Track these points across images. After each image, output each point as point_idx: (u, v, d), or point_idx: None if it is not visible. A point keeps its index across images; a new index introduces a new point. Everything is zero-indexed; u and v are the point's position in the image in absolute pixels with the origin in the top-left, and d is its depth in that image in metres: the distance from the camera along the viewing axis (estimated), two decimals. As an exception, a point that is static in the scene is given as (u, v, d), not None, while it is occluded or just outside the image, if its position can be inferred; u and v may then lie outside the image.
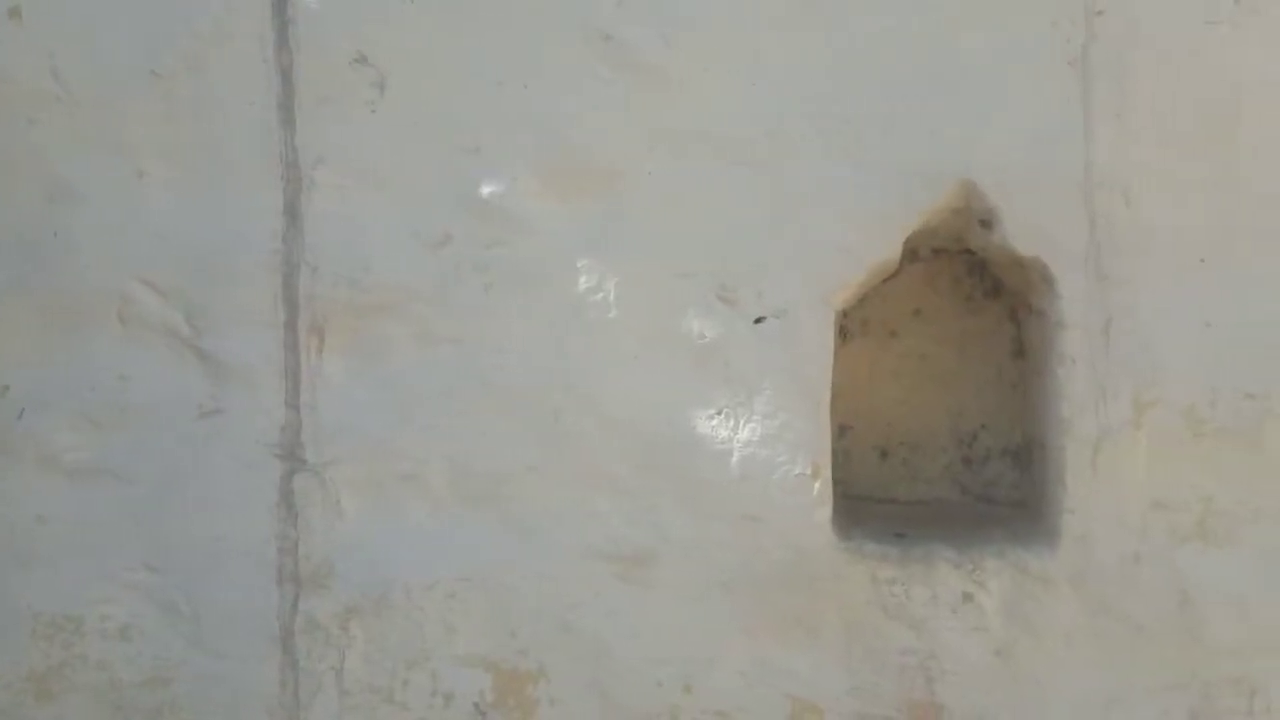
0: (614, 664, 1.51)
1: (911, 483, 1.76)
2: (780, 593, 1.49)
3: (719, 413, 1.49)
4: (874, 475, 1.78)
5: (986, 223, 1.45)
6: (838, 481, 1.77)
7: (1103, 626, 1.41)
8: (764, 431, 1.48)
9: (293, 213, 1.50)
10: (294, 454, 1.52)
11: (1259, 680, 1.36)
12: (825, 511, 1.48)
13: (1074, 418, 1.40)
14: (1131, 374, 1.38)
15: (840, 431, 1.78)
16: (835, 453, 1.77)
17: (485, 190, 1.50)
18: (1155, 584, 1.39)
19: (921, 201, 1.45)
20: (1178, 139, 1.35)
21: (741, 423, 1.49)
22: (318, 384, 1.51)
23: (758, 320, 1.48)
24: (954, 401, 1.74)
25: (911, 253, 1.70)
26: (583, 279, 1.50)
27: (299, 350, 1.51)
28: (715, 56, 1.46)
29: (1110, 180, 1.37)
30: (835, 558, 1.48)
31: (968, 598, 1.45)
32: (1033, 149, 1.39)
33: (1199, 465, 1.37)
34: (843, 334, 1.77)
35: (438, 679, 1.55)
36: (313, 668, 1.53)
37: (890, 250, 1.47)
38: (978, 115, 1.41)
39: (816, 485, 1.48)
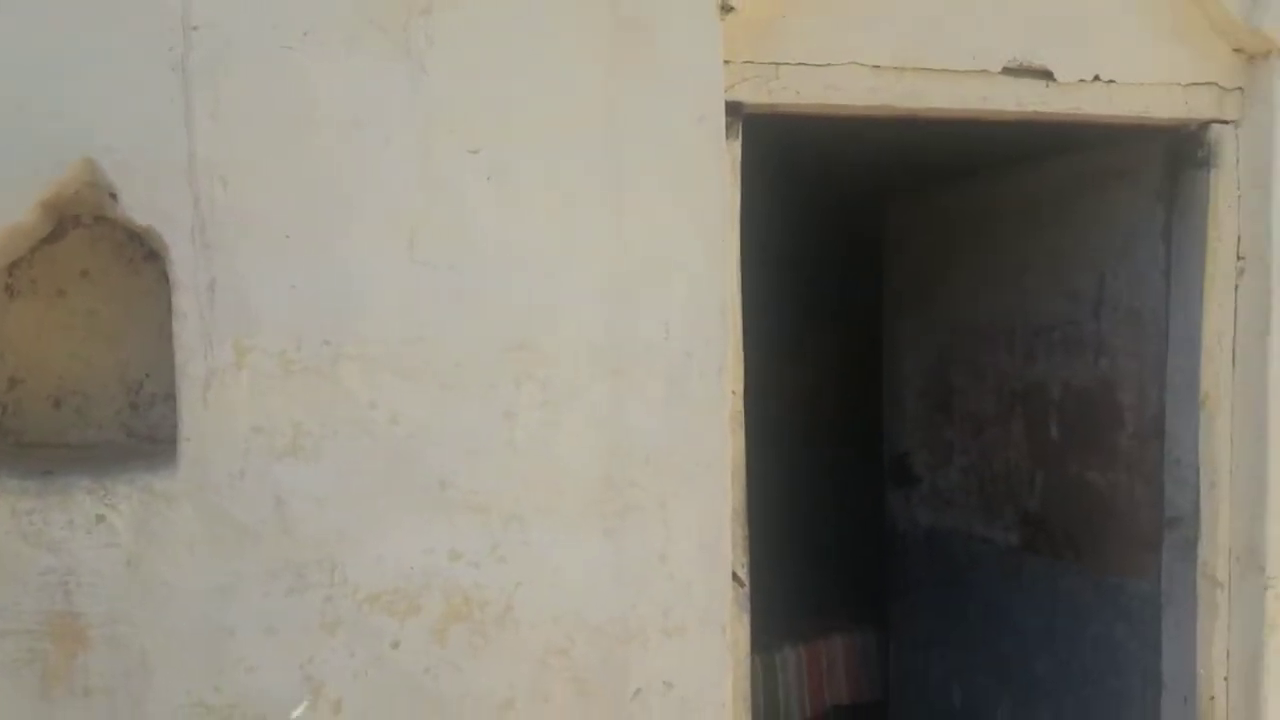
0: None
1: (84, 428, 1.94)
2: (-92, 536, 1.57)
3: None
4: (48, 423, 1.92)
5: (114, 196, 1.68)
6: (10, 431, 1.90)
7: (217, 531, 1.73)
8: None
9: None
10: None
11: (337, 559, 1.80)
12: (-46, 456, 1.59)
13: (187, 362, 1.70)
14: (233, 326, 1.71)
15: (11, 384, 1.89)
16: (6, 404, 1.89)
17: None
18: (257, 493, 1.75)
19: (50, 174, 1.63)
20: (264, 138, 1.71)
21: None
22: None
23: None
24: (122, 354, 1.95)
25: (75, 219, 1.88)
26: None
27: None
28: None
29: (210, 168, 1.68)
30: (-31, 497, 1.60)
31: (100, 519, 1.68)
32: (145, 137, 1.65)
33: (290, 397, 1.75)
34: (10, 292, 1.88)
35: None
36: None
37: (20, 215, 1.62)
38: (99, 104, 1.63)
39: (-57, 431, 1.58)
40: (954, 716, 3.19)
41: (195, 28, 1.65)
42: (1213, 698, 2.42)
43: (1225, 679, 2.42)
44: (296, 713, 1.81)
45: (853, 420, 3.74)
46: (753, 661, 3.66)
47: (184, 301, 1.69)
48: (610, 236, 1.92)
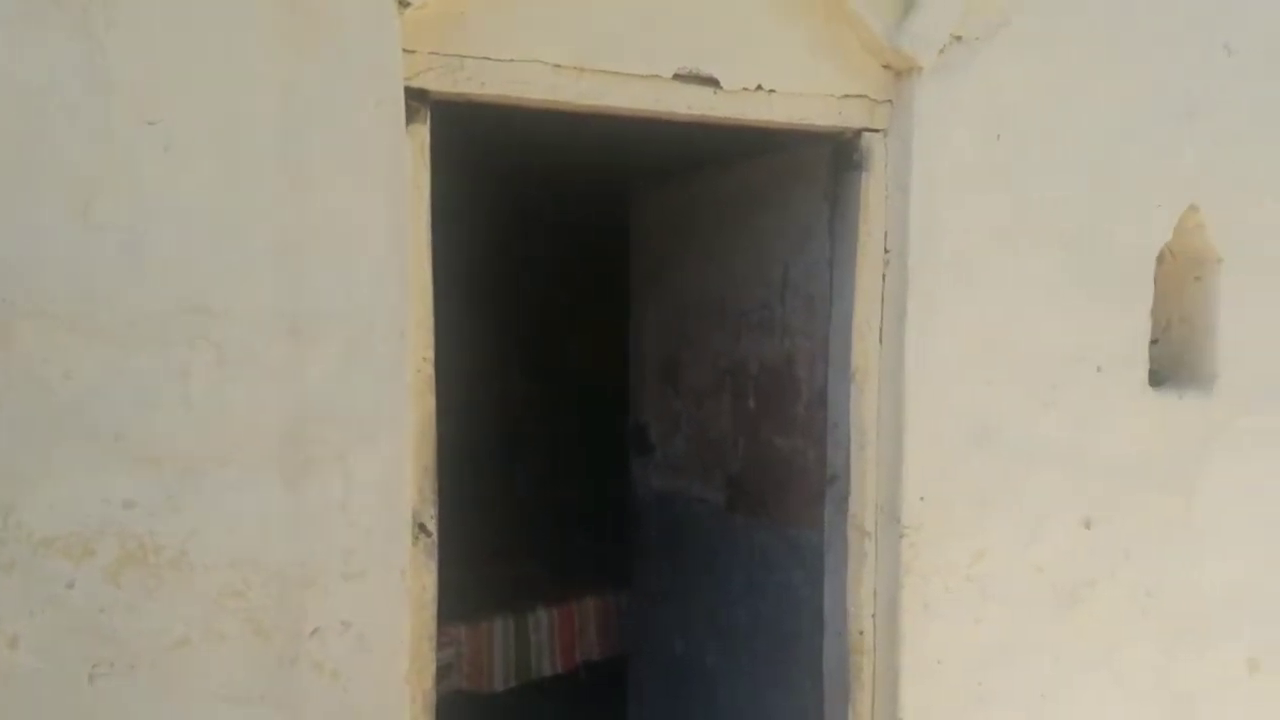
0: None
1: None
2: None
3: None
4: None
5: None
6: None
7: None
8: None
9: None
10: None
11: (11, 503, 1.88)
12: None
13: None
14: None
15: None
16: None
17: None
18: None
19: None
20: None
21: None
22: None
23: None
24: None
25: None
26: None
27: None
28: None
29: None
30: None
31: None
32: None
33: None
34: None
35: None
36: None
37: None
38: None
39: None
40: (677, 665, 3.49)
41: None
42: (862, 633, 2.77)
43: (873, 616, 2.78)
44: (-30, 648, 1.91)
45: (614, 394, 4.00)
46: (505, 622, 3.91)
47: None
48: (287, 207, 2.05)
